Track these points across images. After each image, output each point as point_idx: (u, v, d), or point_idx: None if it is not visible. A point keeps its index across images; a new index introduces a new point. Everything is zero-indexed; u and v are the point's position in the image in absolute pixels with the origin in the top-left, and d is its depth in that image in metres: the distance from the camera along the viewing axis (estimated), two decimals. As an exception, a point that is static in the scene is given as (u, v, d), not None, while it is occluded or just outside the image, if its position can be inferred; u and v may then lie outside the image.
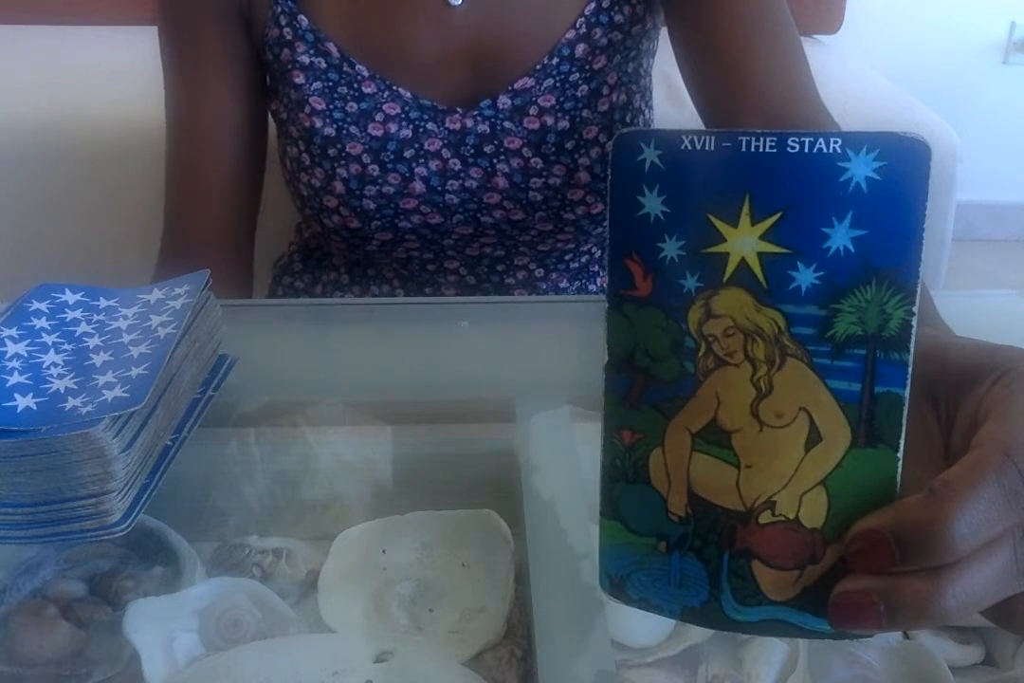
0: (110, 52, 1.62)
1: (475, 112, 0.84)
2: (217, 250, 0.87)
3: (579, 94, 0.84)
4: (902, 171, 0.31)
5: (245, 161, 0.88)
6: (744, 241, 0.32)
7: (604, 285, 0.35)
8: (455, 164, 0.85)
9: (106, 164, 1.39)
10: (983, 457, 0.32)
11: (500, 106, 0.84)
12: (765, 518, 0.33)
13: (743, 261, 0.32)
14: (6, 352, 0.56)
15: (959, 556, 0.30)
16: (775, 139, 0.31)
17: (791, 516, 0.33)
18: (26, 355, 0.56)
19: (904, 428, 0.32)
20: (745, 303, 0.32)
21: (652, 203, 0.33)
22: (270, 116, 0.90)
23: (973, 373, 0.35)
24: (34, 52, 1.67)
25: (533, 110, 0.84)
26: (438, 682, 0.49)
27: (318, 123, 0.84)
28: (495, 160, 0.85)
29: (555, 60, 0.83)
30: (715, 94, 0.81)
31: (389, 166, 0.84)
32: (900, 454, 0.32)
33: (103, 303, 0.62)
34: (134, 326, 0.59)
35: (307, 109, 0.84)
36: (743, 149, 0.31)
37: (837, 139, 0.31)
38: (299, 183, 0.87)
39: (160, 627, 0.51)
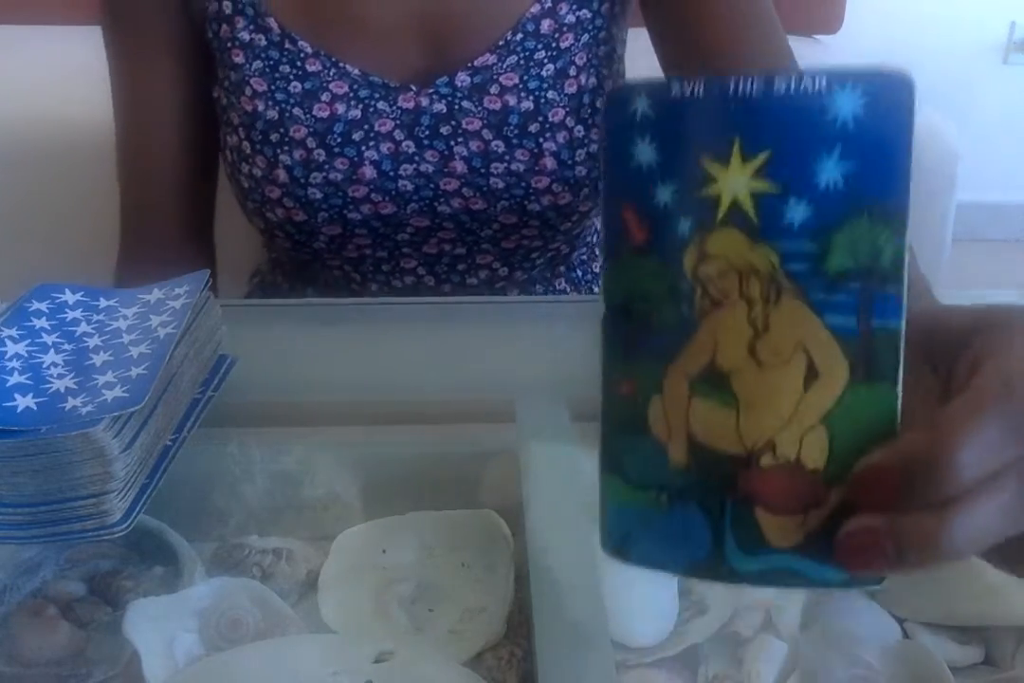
0: (102, 52, 1.62)
1: (431, 90, 0.79)
2: (176, 239, 0.85)
3: (544, 74, 0.79)
4: (887, 105, 0.31)
5: (197, 147, 0.85)
6: (735, 181, 0.32)
7: (569, 287, 0.36)
8: (409, 147, 0.80)
9: (107, 164, 1.39)
10: (983, 389, 0.32)
11: (458, 84, 0.79)
12: (766, 461, 0.33)
13: (735, 201, 0.32)
14: (6, 352, 0.56)
15: (964, 488, 0.30)
16: (762, 80, 0.32)
17: (792, 458, 0.33)
18: (26, 355, 0.56)
19: (902, 362, 0.32)
20: (738, 242, 0.33)
21: (645, 152, 0.34)
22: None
23: (968, 333, 0.35)
24: (33, 52, 1.67)
25: (494, 89, 0.79)
26: (438, 682, 0.49)
27: (260, 106, 0.79)
28: (452, 142, 0.80)
29: (519, 36, 0.78)
30: None
31: (336, 150, 0.79)
32: (899, 389, 0.32)
33: (103, 303, 0.62)
34: (134, 326, 0.59)
35: (248, 91, 0.79)
36: (731, 92, 0.32)
37: (822, 77, 0.31)
38: (240, 174, 0.82)
39: (160, 627, 0.51)
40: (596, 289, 0.99)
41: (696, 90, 0.32)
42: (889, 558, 0.30)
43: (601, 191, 0.35)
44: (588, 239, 0.97)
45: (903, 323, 0.32)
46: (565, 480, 0.55)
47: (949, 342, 0.36)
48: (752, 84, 0.32)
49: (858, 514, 0.32)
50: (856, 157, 0.32)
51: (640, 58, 0.89)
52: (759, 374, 0.33)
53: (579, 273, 0.98)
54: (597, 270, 1.00)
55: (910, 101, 0.31)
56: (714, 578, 0.35)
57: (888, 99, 0.31)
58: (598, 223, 0.99)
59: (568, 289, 0.97)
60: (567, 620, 0.47)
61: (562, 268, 0.95)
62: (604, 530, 0.36)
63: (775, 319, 0.33)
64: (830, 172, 0.32)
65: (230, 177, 0.85)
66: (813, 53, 1.91)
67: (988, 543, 0.31)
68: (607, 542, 0.36)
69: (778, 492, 0.33)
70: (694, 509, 0.34)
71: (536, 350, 0.70)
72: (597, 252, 1.01)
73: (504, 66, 0.79)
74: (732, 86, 0.32)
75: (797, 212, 0.32)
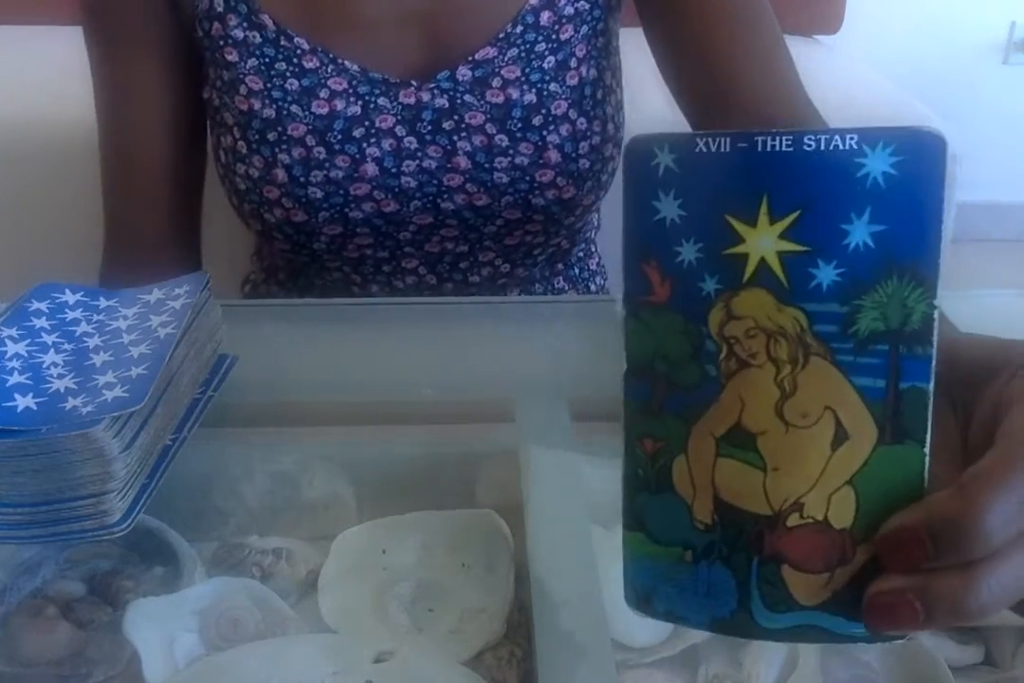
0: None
1: (432, 85, 0.78)
2: (161, 245, 0.83)
3: (546, 66, 0.79)
4: (919, 165, 0.31)
5: (183, 150, 0.83)
6: (763, 241, 0.32)
7: (567, 285, 0.36)
8: (411, 143, 0.79)
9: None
10: (1010, 449, 0.32)
11: (460, 78, 0.78)
12: (793, 521, 0.33)
13: (763, 261, 0.32)
14: (6, 352, 0.56)
15: (992, 549, 0.30)
16: (791, 138, 0.31)
17: (820, 517, 0.33)
18: (26, 355, 0.56)
19: (930, 423, 0.32)
20: (766, 303, 0.32)
21: (668, 207, 0.33)
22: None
23: (988, 368, 0.35)
24: (33, 52, 1.67)
25: (496, 82, 0.78)
26: (438, 682, 0.49)
27: (256, 105, 0.77)
28: (455, 137, 0.79)
29: (519, 28, 0.78)
30: (699, 93, 0.78)
31: (337, 147, 0.77)
32: (927, 449, 0.32)
33: (103, 303, 0.62)
34: (134, 326, 0.59)
35: (243, 90, 0.77)
36: (759, 149, 0.32)
37: (853, 135, 0.31)
38: (235, 176, 0.80)
39: (160, 627, 0.51)
40: (592, 287, 0.99)
41: (723, 145, 0.32)
42: (917, 618, 0.31)
43: (622, 244, 0.34)
44: (587, 234, 0.97)
45: (932, 385, 0.32)
46: (565, 480, 0.55)
47: (969, 376, 0.36)
48: (782, 141, 0.31)
49: (885, 573, 0.32)
50: (887, 217, 0.31)
51: (631, 55, 0.89)
52: (786, 436, 0.33)
53: (576, 270, 0.98)
54: (593, 267, 1.00)
55: (943, 159, 0.31)
56: (740, 634, 0.35)
57: (920, 158, 0.31)
58: (596, 219, 0.99)
59: (567, 287, 0.97)
60: (567, 620, 0.47)
61: (560, 266, 0.95)
62: (628, 585, 0.36)
63: (803, 381, 0.32)
64: (860, 232, 0.31)
65: (223, 179, 0.84)
66: (813, 53, 1.91)
67: (1015, 600, 0.31)
68: (630, 596, 0.36)
69: (805, 551, 0.33)
70: (719, 567, 0.34)
71: (536, 350, 0.70)
72: (593, 249, 1.01)
73: (505, 59, 0.78)
74: (760, 142, 0.31)
75: (826, 273, 0.32)
